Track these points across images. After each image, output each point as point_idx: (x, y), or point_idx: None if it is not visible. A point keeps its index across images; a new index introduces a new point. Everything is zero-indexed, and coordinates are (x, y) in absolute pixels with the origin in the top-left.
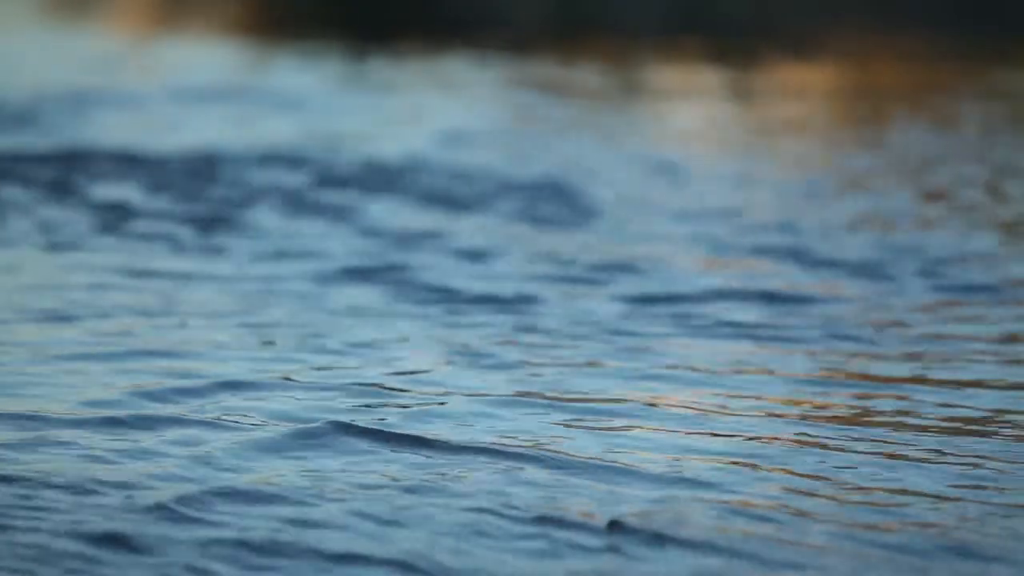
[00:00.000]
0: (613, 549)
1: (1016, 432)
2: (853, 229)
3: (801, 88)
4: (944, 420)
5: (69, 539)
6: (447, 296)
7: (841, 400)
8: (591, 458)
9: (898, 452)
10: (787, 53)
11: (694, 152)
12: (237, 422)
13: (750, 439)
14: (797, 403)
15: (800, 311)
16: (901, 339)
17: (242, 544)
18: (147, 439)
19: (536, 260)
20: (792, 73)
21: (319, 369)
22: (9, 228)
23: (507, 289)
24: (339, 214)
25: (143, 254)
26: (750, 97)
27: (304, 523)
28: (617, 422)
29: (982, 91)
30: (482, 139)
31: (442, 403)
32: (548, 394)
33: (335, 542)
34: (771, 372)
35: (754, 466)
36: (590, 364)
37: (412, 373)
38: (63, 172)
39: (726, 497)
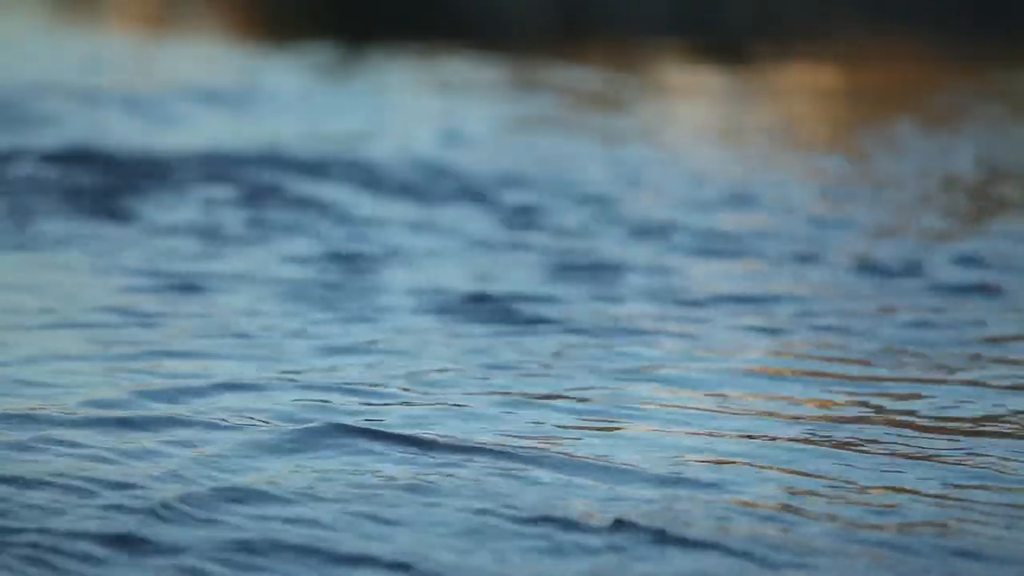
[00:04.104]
0: (614, 549)
1: (1016, 432)
2: (853, 229)
3: (802, 88)
4: (944, 420)
5: (69, 539)
6: (447, 296)
7: (841, 400)
8: (592, 458)
9: (898, 452)
10: (789, 53)
11: (696, 152)
12: (237, 422)
13: (750, 439)
14: (797, 403)
15: (800, 311)
16: (902, 339)
17: (242, 544)
18: (147, 439)
19: (536, 260)
20: (793, 73)
21: (319, 369)
22: (9, 228)
23: (507, 289)
24: (338, 214)
25: (143, 254)
26: (751, 97)
27: (304, 523)
28: (617, 422)
29: (982, 91)
30: (481, 139)
31: (442, 403)
32: (548, 394)
33: (335, 542)
34: (771, 372)
35: (754, 466)
36: (591, 364)
37: (412, 373)
38: (62, 172)
39: (726, 497)
